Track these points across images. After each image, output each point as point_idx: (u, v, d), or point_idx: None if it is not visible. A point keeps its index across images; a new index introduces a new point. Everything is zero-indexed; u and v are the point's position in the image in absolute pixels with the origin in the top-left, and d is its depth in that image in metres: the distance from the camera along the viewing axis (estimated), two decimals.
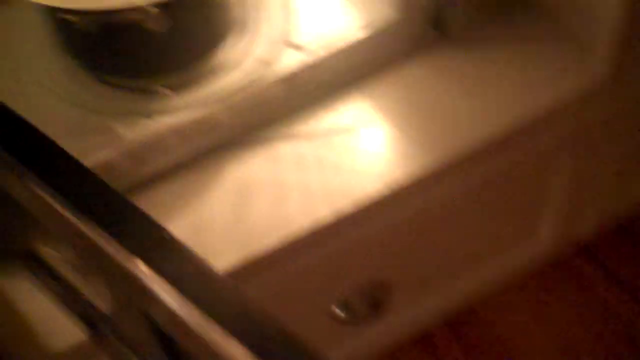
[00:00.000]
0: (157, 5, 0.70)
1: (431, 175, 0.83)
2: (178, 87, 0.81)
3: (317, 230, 0.78)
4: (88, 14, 0.69)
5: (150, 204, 0.78)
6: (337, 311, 0.94)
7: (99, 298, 0.54)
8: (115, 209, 0.47)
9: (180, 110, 0.79)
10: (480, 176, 0.91)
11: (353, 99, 0.87)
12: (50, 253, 0.57)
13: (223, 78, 0.82)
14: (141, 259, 0.43)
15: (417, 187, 0.82)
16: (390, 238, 0.90)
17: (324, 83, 0.85)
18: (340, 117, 0.85)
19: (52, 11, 0.77)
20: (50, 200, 0.47)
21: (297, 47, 0.84)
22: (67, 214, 0.46)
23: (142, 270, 0.43)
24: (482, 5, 0.91)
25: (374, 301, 0.96)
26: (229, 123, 0.82)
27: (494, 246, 1.06)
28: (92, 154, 0.75)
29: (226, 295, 0.43)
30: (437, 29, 0.90)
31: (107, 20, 0.73)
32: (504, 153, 0.89)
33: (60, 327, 0.67)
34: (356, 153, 0.83)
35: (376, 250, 0.91)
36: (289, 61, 0.83)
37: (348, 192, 0.79)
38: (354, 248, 0.87)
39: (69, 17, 0.72)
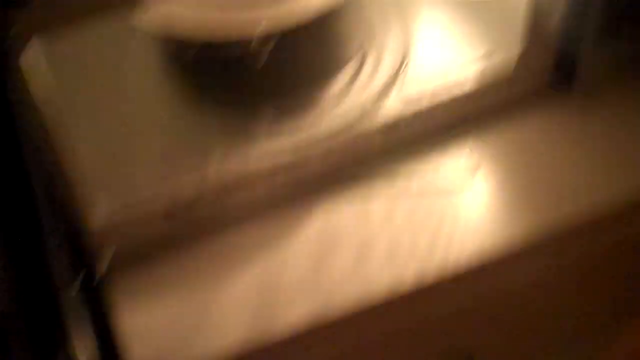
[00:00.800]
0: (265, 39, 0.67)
1: (529, 247, 0.76)
2: (275, 123, 0.77)
3: (400, 294, 0.73)
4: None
5: (226, 244, 0.75)
6: None
7: None
8: None
9: (274, 152, 0.76)
10: (585, 252, 0.83)
11: (457, 155, 0.81)
12: None
13: (323, 119, 0.78)
14: None
15: (511, 258, 0.76)
16: (477, 308, 0.84)
17: (427, 135, 0.80)
18: (440, 175, 0.79)
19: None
20: None
21: (405, 98, 0.79)
22: None
23: None
24: (614, 60, 0.83)
25: None
26: (321, 169, 0.77)
27: (588, 330, 0.98)
28: (179, 190, 0.73)
29: None
30: (559, 83, 0.83)
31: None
32: (620, 229, 0.81)
33: None
34: (452, 216, 0.77)
35: (462, 318, 0.84)
36: (393, 108, 0.78)
37: (437, 256, 0.74)
38: (438, 315, 0.81)
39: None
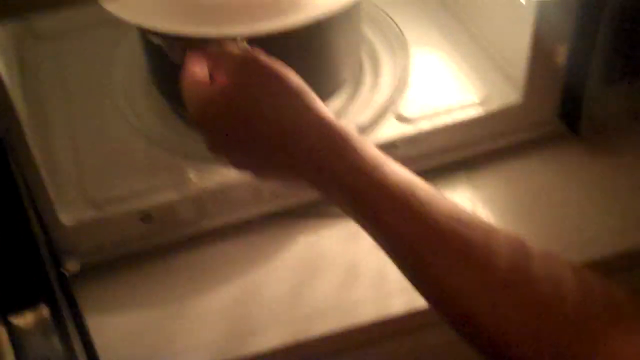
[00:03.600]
0: (253, 41, 0.63)
1: None
2: None
3: (386, 323, 0.68)
4: (175, 38, 0.63)
5: (204, 259, 0.72)
6: None
7: None
8: None
9: None
10: None
11: (456, 185, 0.77)
12: None
13: None
14: None
15: None
16: None
17: (424, 160, 0.76)
18: None
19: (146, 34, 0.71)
20: None
21: (402, 118, 0.75)
22: None
23: None
24: (625, 104, 0.80)
25: None
26: None
27: None
28: (157, 194, 0.70)
29: None
30: (565, 123, 0.80)
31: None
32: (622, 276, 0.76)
33: None
34: None
35: (451, 349, 0.79)
36: (390, 130, 0.74)
37: None
38: (427, 344, 0.75)
39: (155, 39, 0.66)
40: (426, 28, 0.87)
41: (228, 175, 0.70)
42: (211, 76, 0.57)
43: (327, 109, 0.53)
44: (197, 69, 0.57)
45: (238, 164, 0.56)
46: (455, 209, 0.49)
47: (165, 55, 0.66)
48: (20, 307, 0.45)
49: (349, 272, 0.71)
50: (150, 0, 0.63)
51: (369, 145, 0.52)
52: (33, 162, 0.63)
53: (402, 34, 0.83)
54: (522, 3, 0.73)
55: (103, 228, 0.69)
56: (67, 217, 0.67)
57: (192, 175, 0.71)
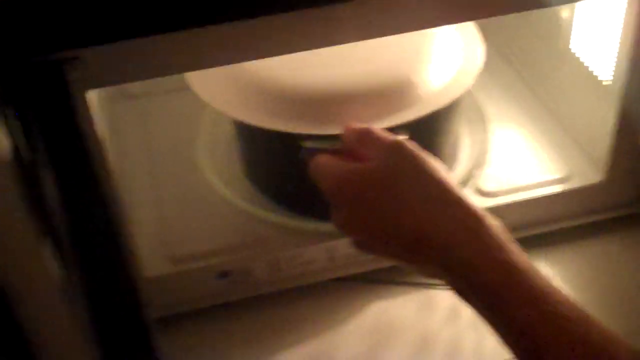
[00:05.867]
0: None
1: None
2: None
3: None
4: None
5: (278, 318, 0.72)
6: None
7: None
8: None
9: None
10: None
11: (534, 262, 0.75)
12: None
13: None
14: None
15: None
16: None
17: None
18: None
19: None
20: None
21: (482, 192, 0.76)
22: None
23: None
24: None
25: None
26: None
27: None
28: (234, 253, 0.71)
29: None
30: None
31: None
32: None
33: None
34: None
35: None
36: None
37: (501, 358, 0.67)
38: None
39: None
40: (505, 103, 0.88)
41: (309, 238, 0.71)
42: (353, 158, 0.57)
43: (473, 202, 0.53)
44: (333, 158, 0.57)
45: (362, 244, 0.56)
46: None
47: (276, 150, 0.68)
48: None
49: (421, 342, 0.70)
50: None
51: (513, 246, 0.51)
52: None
53: (481, 108, 0.84)
54: (603, 82, 0.73)
55: (181, 283, 0.70)
56: (147, 271, 0.68)
57: (269, 236, 0.72)
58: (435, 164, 0.54)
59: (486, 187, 0.76)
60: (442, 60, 0.70)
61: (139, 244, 0.69)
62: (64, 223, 0.46)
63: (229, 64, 0.56)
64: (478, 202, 0.73)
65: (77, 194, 0.46)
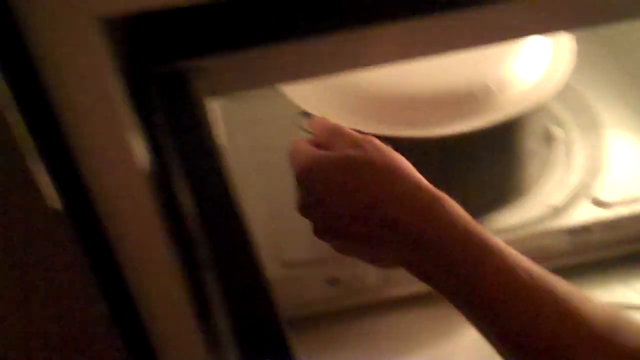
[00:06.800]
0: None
1: None
2: None
3: None
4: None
5: (388, 326, 0.71)
6: None
7: None
8: None
9: None
10: None
11: None
12: None
13: (505, 215, 0.73)
14: None
15: None
16: None
17: (620, 246, 0.73)
18: (630, 295, 0.72)
19: None
20: None
21: (599, 202, 0.73)
22: None
23: None
24: None
25: None
26: None
27: None
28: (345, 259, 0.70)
29: None
30: None
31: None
32: None
33: None
34: None
35: None
36: (585, 214, 0.72)
37: None
38: None
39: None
40: (621, 108, 0.85)
41: None
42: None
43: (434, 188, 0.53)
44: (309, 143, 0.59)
45: (323, 231, 0.56)
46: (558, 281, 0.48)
47: None
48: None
49: None
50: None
51: (477, 225, 0.50)
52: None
53: (597, 115, 0.81)
54: None
55: (292, 288, 0.70)
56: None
57: None
58: (402, 160, 0.54)
59: (604, 197, 0.73)
60: (526, 65, 0.68)
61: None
62: (199, 230, 0.48)
63: (343, 72, 0.56)
64: (595, 213, 0.72)
65: (209, 201, 0.47)
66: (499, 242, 0.49)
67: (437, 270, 0.50)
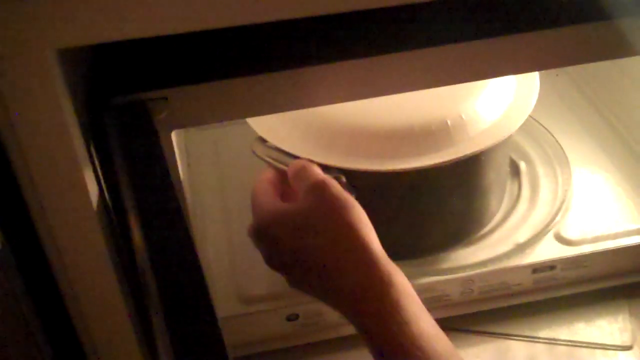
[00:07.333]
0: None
1: None
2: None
3: None
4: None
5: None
6: None
7: None
8: None
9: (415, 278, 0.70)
10: None
11: (617, 314, 0.73)
12: None
13: (468, 250, 0.72)
14: None
15: None
16: None
17: (583, 284, 0.73)
18: (593, 334, 0.71)
19: None
20: None
21: (563, 240, 0.73)
22: None
23: None
24: None
25: None
26: (461, 299, 0.71)
27: None
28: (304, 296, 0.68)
29: None
30: None
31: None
32: None
33: None
34: None
35: None
36: (549, 251, 0.72)
37: None
38: None
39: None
40: (587, 145, 0.85)
41: None
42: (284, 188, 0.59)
43: (381, 250, 0.52)
44: (274, 182, 0.60)
45: (290, 282, 0.56)
46: None
47: None
48: None
49: None
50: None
51: (410, 298, 0.50)
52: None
53: (563, 151, 0.81)
54: None
55: (252, 324, 0.69)
56: (217, 311, 0.67)
57: None
58: (355, 212, 0.53)
59: (568, 235, 0.73)
60: (492, 99, 0.67)
61: (211, 283, 0.68)
62: (149, 269, 0.46)
63: (310, 107, 0.55)
64: (559, 251, 0.71)
65: (161, 237, 0.45)
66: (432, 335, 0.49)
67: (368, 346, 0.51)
